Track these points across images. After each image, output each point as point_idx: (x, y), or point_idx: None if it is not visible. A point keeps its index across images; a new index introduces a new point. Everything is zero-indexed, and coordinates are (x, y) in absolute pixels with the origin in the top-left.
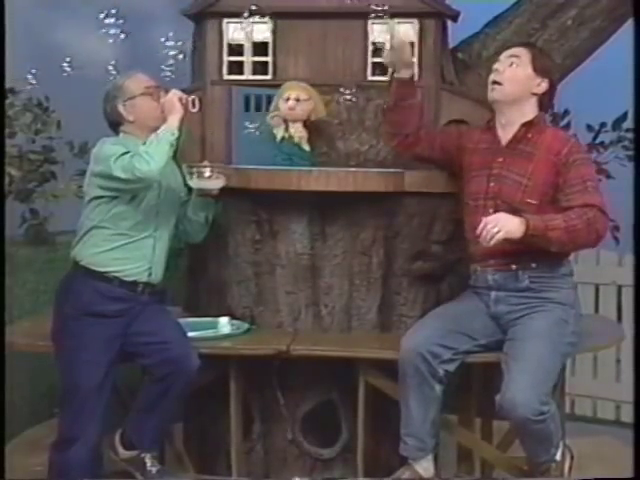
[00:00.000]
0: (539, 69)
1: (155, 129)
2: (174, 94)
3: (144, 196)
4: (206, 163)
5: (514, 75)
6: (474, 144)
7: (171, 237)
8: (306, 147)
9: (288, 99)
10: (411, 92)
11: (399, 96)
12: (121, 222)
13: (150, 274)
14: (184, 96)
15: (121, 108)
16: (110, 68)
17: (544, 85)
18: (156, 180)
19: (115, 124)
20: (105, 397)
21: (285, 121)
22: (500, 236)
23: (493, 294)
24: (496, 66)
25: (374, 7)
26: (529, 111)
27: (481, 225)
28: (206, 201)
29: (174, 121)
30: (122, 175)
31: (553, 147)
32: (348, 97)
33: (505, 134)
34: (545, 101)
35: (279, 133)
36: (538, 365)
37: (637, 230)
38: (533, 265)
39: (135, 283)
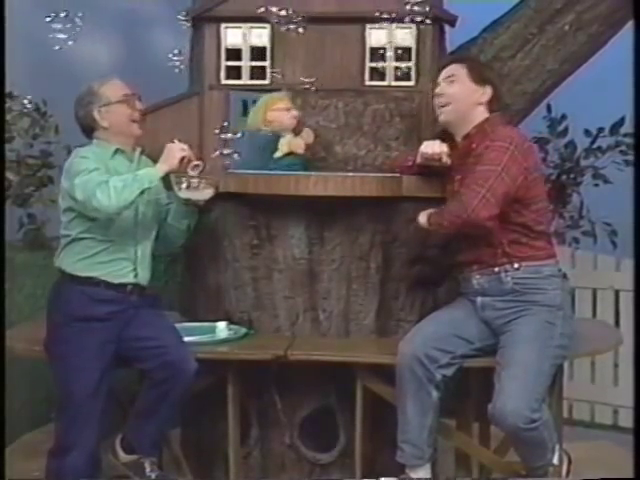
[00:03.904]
0: (478, 80)
1: (128, 136)
2: (181, 148)
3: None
4: (194, 174)
5: (456, 92)
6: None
7: (153, 240)
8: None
9: (288, 109)
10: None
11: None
12: (99, 230)
13: (136, 275)
14: (189, 155)
15: (96, 114)
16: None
17: (488, 92)
18: (109, 216)
19: (88, 129)
20: (101, 403)
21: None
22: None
23: (479, 300)
24: (437, 90)
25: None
26: (476, 121)
27: None
28: (189, 209)
29: (160, 171)
30: (79, 197)
31: (482, 148)
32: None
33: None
34: (493, 105)
35: (282, 147)
36: (526, 372)
37: (637, 234)
38: (516, 266)
39: (123, 285)
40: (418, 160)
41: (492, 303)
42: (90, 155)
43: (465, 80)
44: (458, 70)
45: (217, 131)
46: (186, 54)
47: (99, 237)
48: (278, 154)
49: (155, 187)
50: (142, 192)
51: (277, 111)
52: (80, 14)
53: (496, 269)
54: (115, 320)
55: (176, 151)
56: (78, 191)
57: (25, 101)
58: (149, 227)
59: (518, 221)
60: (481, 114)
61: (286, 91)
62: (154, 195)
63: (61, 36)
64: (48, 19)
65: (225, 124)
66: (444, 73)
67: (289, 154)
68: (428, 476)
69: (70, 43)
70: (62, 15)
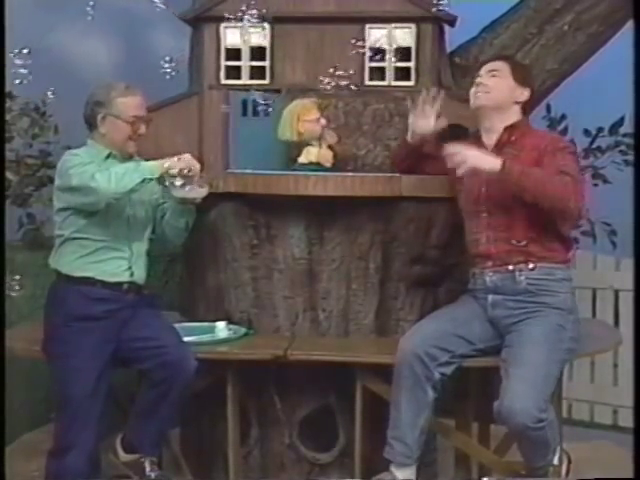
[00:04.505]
0: (520, 80)
1: (121, 150)
2: (192, 165)
3: (112, 208)
4: (186, 172)
5: (498, 83)
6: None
7: (148, 239)
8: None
9: (318, 119)
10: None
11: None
12: (92, 229)
13: (132, 273)
14: (193, 174)
15: (99, 118)
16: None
17: (526, 94)
18: (107, 201)
19: (87, 123)
20: (99, 403)
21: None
22: (466, 166)
23: (490, 298)
24: (479, 79)
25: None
26: (512, 117)
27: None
28: (186, 207)
29: (162, 167)
30: (75, 183)
31: (535, 145)
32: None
33: (489, 140)
34: (527, 107)
35: (309, 155)
36: (536, 372)
37: (637, 234)
38: (530, 266)
39: (119, 283)
40: (409, 137)
41: (503, 302)
42: (83, 154)
43: (508, 76)
44: (502, 66)
45: (167, 164)
46: (178, 60)
47: (92, 237)
48: (303, 160)
49: (148, 187)
50: (142, 181)
51: (309, 122)
52: (90, 5)
53: (510, 267)
54: (112, 319)
55: (184, 163)
56: (74, 179)
57: (24, 101)
58: (142, 226)
59: (543, 220)
60: (515, 113)
61: (314, 98)
62: (148, 196)
63: (22, 71)
64: (12, 54)
65: (182, 156)
66: (487, 67)
67: (314, 163)
68: (412, 477)
69: (30, 77)
70: (25, 51)
